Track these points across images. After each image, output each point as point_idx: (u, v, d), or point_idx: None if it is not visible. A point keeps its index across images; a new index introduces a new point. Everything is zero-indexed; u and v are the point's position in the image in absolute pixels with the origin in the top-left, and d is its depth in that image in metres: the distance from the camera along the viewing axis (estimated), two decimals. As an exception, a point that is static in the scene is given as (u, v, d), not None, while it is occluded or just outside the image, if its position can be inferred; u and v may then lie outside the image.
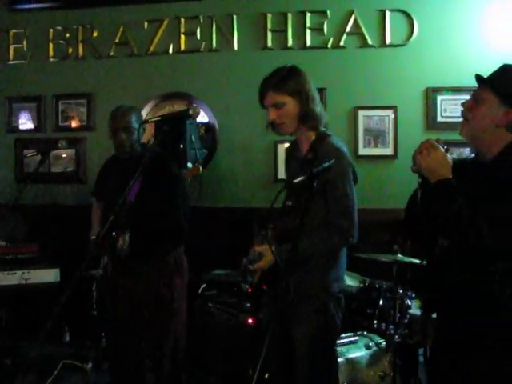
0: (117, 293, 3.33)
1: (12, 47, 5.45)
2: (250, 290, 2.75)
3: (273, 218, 2.65)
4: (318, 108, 2.60)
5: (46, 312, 2.33)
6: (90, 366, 4.33)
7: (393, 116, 4.62)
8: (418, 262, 3.36)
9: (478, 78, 2.10)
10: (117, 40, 5.18)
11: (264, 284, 2.64)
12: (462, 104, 2.10)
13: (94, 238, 3.03)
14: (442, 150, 1.98)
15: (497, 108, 2.00)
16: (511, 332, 1.95)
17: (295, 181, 1.99)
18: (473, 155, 2.23)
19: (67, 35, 5.30)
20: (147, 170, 2.61)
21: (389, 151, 4.64)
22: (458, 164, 2.08)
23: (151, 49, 5.10)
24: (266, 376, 2.30)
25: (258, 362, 1.63)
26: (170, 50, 5.05)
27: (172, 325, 3.35)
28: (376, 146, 4.67)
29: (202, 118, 4.85)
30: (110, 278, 3.27)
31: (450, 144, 2.11)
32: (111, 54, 5.20)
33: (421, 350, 3.74)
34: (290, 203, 2.56)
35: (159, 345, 3.35)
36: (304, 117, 2.56)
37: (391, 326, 3.35)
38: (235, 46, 4.92)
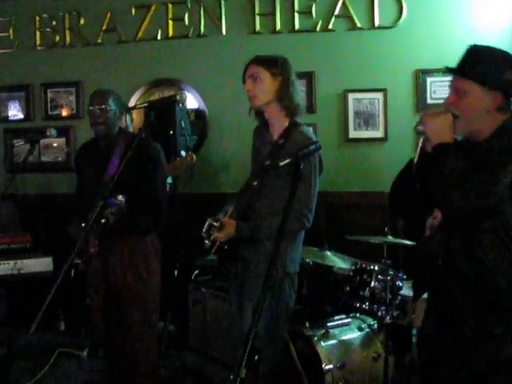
0: (98, 276, 3.33)
1: (-2, 36, 5.41)
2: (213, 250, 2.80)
3: (237, 195, 2.79)
4: (297, 96, 2.71)
5: (39, 301, 2.33)
6: (85, 353, 4.36)
7: (382, 98, 4.61)
8: (408, 243, 3.39)
9: (450, 70, 2.09)
10: (104, 27, 5.14)
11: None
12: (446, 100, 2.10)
13: (83, 225, 3.01)
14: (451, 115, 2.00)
15: (482, 95, 2.00)
16: (501, 305, 1.97)
17: (281, 163, 2.02)
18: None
19: (54, 23, 5.26)
20: (128, 152, 2.63)
21: (379, 134, 4.65)
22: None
23: (139, 35, 5.07)
24: (256, 358, 2.31)
25: (247, 343, 1.64)
26: (158, 36, 5.02)
27: (149, 308, 3.36)
28: (366, 129, 4.67)
29: (192, 103, 4.83)
30: (94, 262, 3.25)
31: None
32: (99, 41, 5.17)
33: (414, 331, 3.78)
34: (255, 183, 2.70)
35: (139, 328, 3.36)
36: (281, 96, 2.66)
37: (383, 308, 3.37)
38: (223, 31, 4.89)
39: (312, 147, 2.12)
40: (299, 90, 2.76)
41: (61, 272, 2.46)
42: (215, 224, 2.64)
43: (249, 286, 2.71)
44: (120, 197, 2.96)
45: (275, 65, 2.69)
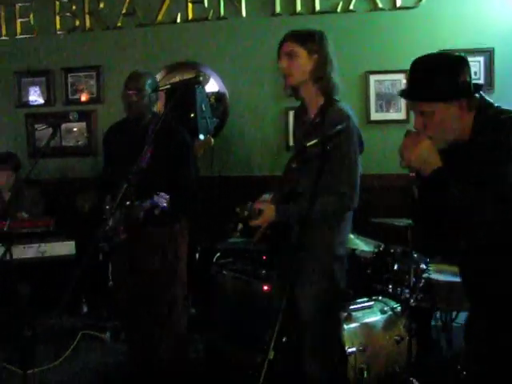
0: (126, 261, 3.36)
1: (19, 21, 5.43)
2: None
3: (278, 179, 2.70)
4: (334, 74, 2.59)
5: (63, 284, 2.35)
6: (108, 336, 4.40)
7: (404, 80, 4.55)
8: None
9: (407, 96, 2.05)
10: (124, 11, 5.14)
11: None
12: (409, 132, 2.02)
13: (108, 207, 3.02)
14: (426, 138, 1.92)
15: (448, 109, 1.92)
16: None
17: (308, 144, 1.98)
18: None
19: (73, 7, 5.27)
20: (158, 137, 2.61)
21: (401, 115, 4.60)
22: None
23: (159, 18, 5.05)
24: (284, 339, 2.33)
25: (275, 325, 1.64)
26: (178, 19, 5.01)
27: (177, 290, 3.38)
28: (388, 111, 4.63)
29: (212, 86, 4.81)
30: (121, 246, 3.27)
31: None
32: (119, 24, 5.17)
33: (436, 314, 3.77)
34: (294, 165, 2.60)
35: (166, 311, 3.38)
36: (317, 76, 2.56)
37: (406, 290, 3.35)
38: (243, 13, 4.85)
39: (339, 127, 2.07)
40: (336, 67, 2.62)
41: (85, 255, 2.47)
42: (245, 213, 2.59)
43: (299, 271, 2.59)
44: (163, 194, 2.95)
45: (312, 41, 2.55)
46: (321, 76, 2.55)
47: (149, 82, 3.30)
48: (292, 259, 2.54)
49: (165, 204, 2.93)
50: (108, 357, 4.21)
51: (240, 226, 2.71)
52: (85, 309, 4.93)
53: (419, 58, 1.98)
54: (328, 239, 2.61)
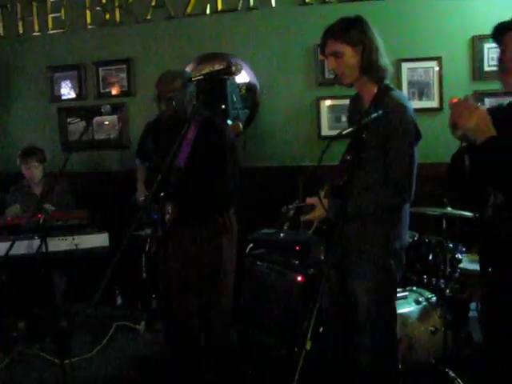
0: (166, 254, 3.37)
1: (50, 17, 5.48)
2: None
3: (332, 172, 2.60)
4: (383, 59, 2.52)
5: (96, 276, 2.37)
6: (142, 327, 4.45)
7: (437, 68, 4.48)
8: (468, 214, 3.30)
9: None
10: (153, 3, 5.14)
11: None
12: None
13: (142, 199, 3.04)
14: (480, 106, 1.90)
15: None
16: None
17: (344, 132, 1.95)
18: (507, 101, 2.15)
19: (104, 1, 5.29)
20: (198, 135, 2.58)
21: (434, 104, 4.53)
22: (496, 112, 2.00)
23: (188, 10, 5.05)
24: (321, 330, 2.31)
25: (312, 315, 1.62)
26: (208, 11, 4.99)
27: (219, 285, 3.38)
28: (420, 99, 4.56)
29: (243, 77, 4.80)
30: (160, 239, 3.30)
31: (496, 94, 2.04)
32: (148, 17, 5.18)
33: (472, 305, 3.71)
34: (348, 157, 2.51)
35: (208, 305, 3.39)
36: (366, 68, 2.48)
37: (442, 281, 3.31)
38: (273, 3, 4.81)
39: (374, 115, 2.03)
40: (381, 46, 2.53)
41: (119, 247, 2.49)
42: (302, 204, 2.56)
43: (353, 264, 2.60)
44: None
45: (353, 33, 2.47)
46: (370, 64, 2.48)
47: (178, 84, 3.19)
48: (346, 252, 2.54)
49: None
50: (142, 347, 4.26)
51: (286, 224, 2.69)
52: (119, 300, 4.99)
53: None
54: (383, 232, 2.54)
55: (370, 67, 2.48)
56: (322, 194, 2.62)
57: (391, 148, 2.41)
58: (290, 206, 2.62)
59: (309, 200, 2.59)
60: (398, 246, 2.59)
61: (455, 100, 1.92)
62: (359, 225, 2.51)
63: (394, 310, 2.75)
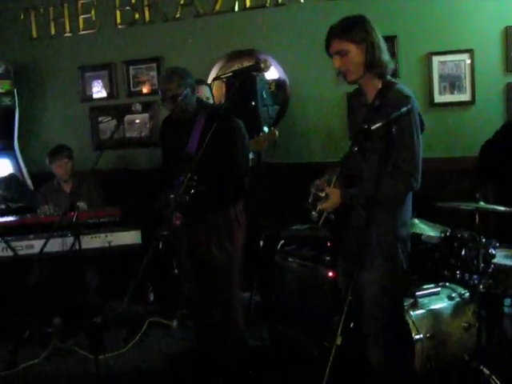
0: (183, 247, 3.41)
1: (81, 17, 5.57)
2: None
3: (339, 163, 2.69)
4: (385, 56, 2.59)
5: (129, 273, 2.39)
6: (175, 323, 4.48)
7: (469, 60, 4.41)
8: (502, 209, 3.25)
9: None
10: (182, 1, 5.18)
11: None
12: None
13: (172, 196, 3.06)
14: None
15: None
16: None
17: (373, 127, 1.95)
18: None
19: (133, 1, 5.35)
20: (208, 124, 2.62)
21: (466, 97, 4.46)
22: None
23: (217, 7, 5.07)
24: (351, 325, 2.31)
25: (342, 311, 1.62)
26: (236, 8, 5.01)
27: (233, 279, 3.40)
28: (452, 93, 4.50)
29: (272, 73, 4.79)
30: (178, 232, 3.32)
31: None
32: (177, 16, 5.21)
33: (507, 301, 3.65)
34: (355, 148, 2.53)
35: (226, 297, 3.41)
36: (370, 65, 2.56)
37: (475, 276, 3.26)
38: (301, -2, 4.81)
39: (404, 109, 2.03)
40: (383, 43, 2.61)
41: (150, 245, 2.52)
42: (321, 194, 2.59)
43: (360, 251, 2.58)
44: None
45: (356, 31, 2.54)
46: (374, 61, 2.55)
47: (179, 80, 3.23)
48: (357, 243, 2.55)
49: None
50: (175, 344, 4.30)
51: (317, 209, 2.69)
52: (151, 297, 5.04)
53: None
54: (390, 220, 2.61)
55: (373, 64, 2.56)
56: (328, 184, 2.65)
57: (400, 138, 2.42)
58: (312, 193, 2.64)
59: (319, 182, 2.64)
60: (405, 233, 2.68)
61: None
62: (371, 215, 2.52)
63: (401, 299, 2.82)
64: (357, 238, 2.59)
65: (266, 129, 4.10)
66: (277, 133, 3.94)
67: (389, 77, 2.64)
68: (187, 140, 3.27)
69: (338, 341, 1.55)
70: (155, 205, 3.29)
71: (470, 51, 4.40)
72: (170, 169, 3.39)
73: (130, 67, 5.44)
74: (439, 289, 3.47)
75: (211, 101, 4.40)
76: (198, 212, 3.22)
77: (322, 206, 2.58)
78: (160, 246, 3.75)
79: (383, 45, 2.61)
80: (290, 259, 3.82)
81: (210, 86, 4.65)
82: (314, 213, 2.60)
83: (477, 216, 3.28)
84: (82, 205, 4.38)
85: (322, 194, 2.57)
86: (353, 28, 2.55)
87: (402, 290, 2.86)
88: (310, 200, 2.65)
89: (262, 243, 4.12)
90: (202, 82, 4.41)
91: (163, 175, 3.53)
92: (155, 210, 3.22)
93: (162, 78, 3.34)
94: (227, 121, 3.25)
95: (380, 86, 2.60)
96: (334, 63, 2.62)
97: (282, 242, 3.98)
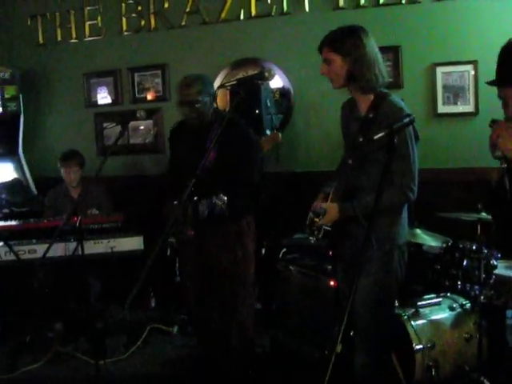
0: (193, 256, 3.41)
1: (87, 24, 5.60)
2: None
3: (334, 175, 2.71)
4: (373, 70, 2.59)
5: (131, 279, 2.40)
6: (175, 329, 4.48)
7: (473, 71, 4.42)
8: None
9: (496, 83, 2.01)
10: (188, 9, 5.21)
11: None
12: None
13: (176, 203, 3.07)
14: None
15: None
16: None
17: (375, 137, 1.96)
18: None
19: (139, 8, 5.38)
20: (223, 135, 2.63)
21: (469, 108, 4.47)
22: None
23: (222, 16, 5.10)
24: (352, 334, 2.30)
25: (342, 320, 1.63)
26: (241, 16, 5.03)
27: (244, 287, 3.40)
28: (456, 104, 4.51)
29: (276, 82, 4.81)
30: (190, 242, 3.33)
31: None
32: (183, 23, 5.24)
33: (509, 312, 3.65)
34: (350, 161, 2.62)
35: (235, 307, 3.42)
36: (350, 78, 2.60)
37: (476, 287, 3.27)
38: (306, 8, 4.83)
39: (406, 120, 2.04)
40: (379, 61, 2.61)
41: (152, 251, 2.52)
42: (316, 220, 2.60)
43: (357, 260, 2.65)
44: (222, 196, 3.00)
45: (345, 44, 2.58)
46: (358, 76, 2.58)
47: (197, 89, 3.26)
48: (353, 251, 2.60)
49: (222, 206, 3.00)
50: (176, 350, 4.30)
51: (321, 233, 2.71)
52: (153, 303, 5.04)
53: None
54: (388, 230, 2.62)
55: (354, 78, 2.59)
56: (325, 198, 2.68)
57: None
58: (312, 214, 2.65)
59: (322, 204, 2.65)
60: (402, 242, 2.69)
61: (496, 120, 1.92)
62: (364, 224, 2.56)
63: (392, 309, 2.82)
64: (352, 247, 2.65)
65: (268, 132, 4.11)
66: (280, 135, 3.95)
67: (382, 89, 2.64)
68: (201, 147, 3.27)
69: (338, 349, 1.56)
70: (162, 212, 3.30)
71: (474, 62, 4.41)
72: (179, 177, 3.40)
73: (135, 74, 5.47)
74: (440, 299, 3.47)
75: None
76: (210, 223, 3.23)
77: (321, 221, 2.60)
78: (168, 253, 3.78)
79: (375, 58, 2.60)
80: (291, 268, 3.83)
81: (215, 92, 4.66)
82: (311, 238, 2.63)
83: (478, 227, 3.29)
84: (93, 210, 4.40)
85: (318, 220, 2.59)
86: (341, 40, 2.60)
87: (394, 299, 2.87)
88: (307, 223, 2.67)
89: (263, 251, 4.13)
90: (220, 87, 4.41)
91: (171, 183, 3.53)
92: (161, 216, 3.23)
93: (182, 81, 3.34)
94: (241, 129, 3.27)
95: (373, 98, 2.62)
96: (321, 69, 2.68)
97: (284, 250, 3.98)
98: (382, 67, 2.64)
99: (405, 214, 2.72)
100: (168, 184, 3.58)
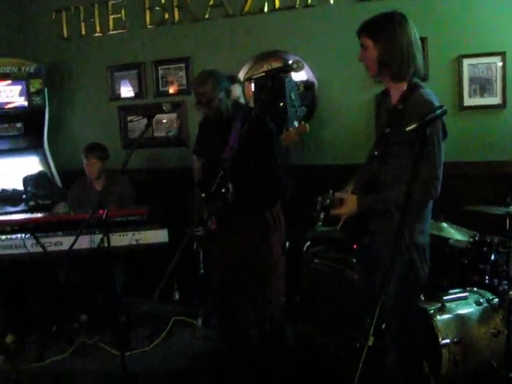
0: (218, 250, 3.42)
1: (111, 18, 5.61)
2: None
3: (359, 168, 2.68)
4: (409, 59, 2.54)
5: (155, 271, 2.41)
6: (199, 322, 4.50)
7: (501, 63, 4.35)
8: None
9: None
10: (211, 2, 5.19)
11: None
12: None
13: (203, 195, 3.07)
14: None
15: None
16: None
17: (408, 129, 1.92)
18: None
19: (163, 1, 5.38)
20: (245, 128, 2.63)
21: (496, 100, 4.39)
22: None
23: (246, 8, 5.07)
24: (383, 326, 2.28)
25: (374, 312, 1.61)
26: (265, 9, 5.00)
27: (271, 280, 3.39)
28: (482, 96, 4.44)
29: (301, 75, 4.78)
30: (213, 235, 3.33)
31: None
32: (206, 16, 5.23)
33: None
34: (376, 152, 2.59)
35: (260, 300, 3.41)
36: (382, 64, 2.57)
37: (505, 282, 3.23)
38: (331, 0, 4.79)
39: (438, 112, 2.00)
40: (413, 50, 2.55)
41: (178, 243, 2.53)
42: (325, 203, 2.59)
43: (378, 257, 2.60)
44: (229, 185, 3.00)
45: (377, 29, 2.55)
46: (386, 62, 2.54)
47: (211, 86, 3.24)
48: (371, 246, 2.59)
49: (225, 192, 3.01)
50: (199, 342, 4.32)
51: (322, 214, 2.69)
52: (177, 296, 5.06)
53: None
54: (408, 227, 2.55)
55: (385, 64, 2.55)
56: (349, 189, 2.66)
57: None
58: (326, 196, 2.63)
59: (338, 194, 2.64)
60: (422, 241, 2.62)
61: None
62: (384, 219, 2.54)
63: (418, 307, 2.78)
64: (373, 243, 2.62)
65: (295, 123, 4.08)
66: (307, 126, 3.91)
67: (417, 80, 2.59)
68: (224, 141, 3.27)
69: (370, 341, 1.55)
70: (187, 205, 3.31)
71: (501, 54, 4.34)
72: (206, 173, 3.41)
73: (159, 67, 5.48)
74: (467, 294, 3.44)
75: (242, 100, 4.41)
76: (233, 216, 3.23)
77: (337, 211, 2.59)
78: (195, 247, 3.79)
79: (408, 46, 2.55)
80: (316, 261, 3.82)
81: (243, 84, 4.64)
82: (319, 223, 2.61)
83: (507, 220, 3.25)
84: (111, 205, 4.43)
85: (327, 202, 2.57)
86: (375, 25, 2.58)
87: (417, 298, 2.82)
88: (318, 206, 2.65)
89: (287, 244, 4.12)
90: (236, 79, 4.39)
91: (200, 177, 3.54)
92: (186, 209, 3.24)
93: (195, 80, 3.32)
94: (263, 121, 3.26)
95: (404, 89, 2.57)
96: (359, 55, 2.67)
97: (308, 243, 3.97)
98: (418, 57, 2.58)
99: (427, 212, 2.66)
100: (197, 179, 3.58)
